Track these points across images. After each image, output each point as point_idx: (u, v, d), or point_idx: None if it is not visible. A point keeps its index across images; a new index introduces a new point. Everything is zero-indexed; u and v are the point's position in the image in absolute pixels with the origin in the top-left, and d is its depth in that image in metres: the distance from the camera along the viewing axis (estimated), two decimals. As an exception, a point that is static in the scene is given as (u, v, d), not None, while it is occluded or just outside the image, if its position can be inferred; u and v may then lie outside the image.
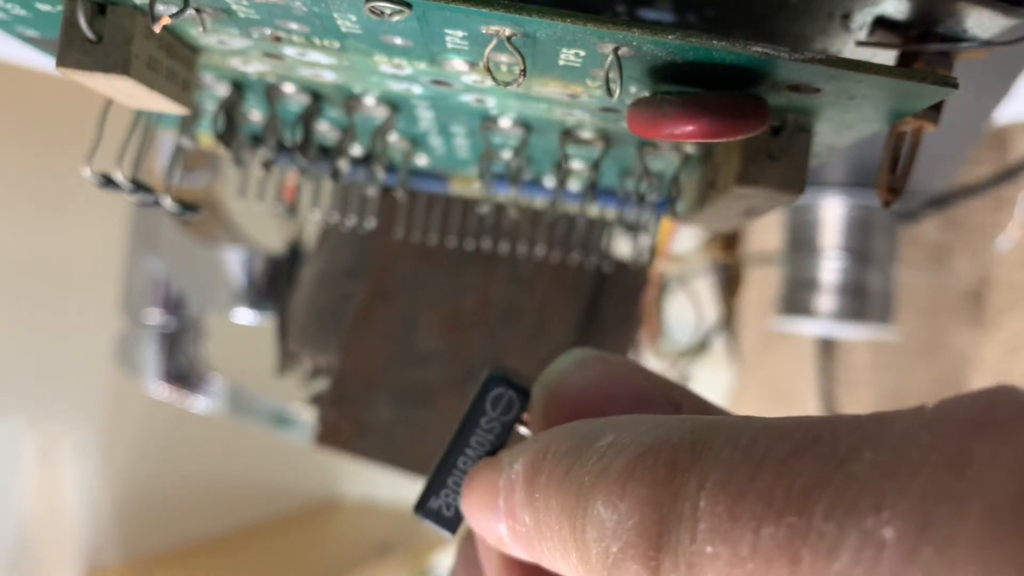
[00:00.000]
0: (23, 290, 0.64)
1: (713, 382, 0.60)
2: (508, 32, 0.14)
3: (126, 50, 0.15)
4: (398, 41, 0.15)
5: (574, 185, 0.24)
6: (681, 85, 0.15)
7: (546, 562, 0.13)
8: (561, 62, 0.15)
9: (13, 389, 0.65)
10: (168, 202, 0.21)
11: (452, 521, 0.15)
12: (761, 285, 0.52)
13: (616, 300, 0.34)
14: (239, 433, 0.55)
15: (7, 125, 0.59)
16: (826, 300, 0.41)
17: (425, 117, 0.21)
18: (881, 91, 0.14)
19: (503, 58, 0.15)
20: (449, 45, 0.15)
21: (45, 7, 0.16)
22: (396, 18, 0.14)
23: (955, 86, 0.14)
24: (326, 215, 0.28)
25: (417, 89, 0.18)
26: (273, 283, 0.41)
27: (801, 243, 0.42)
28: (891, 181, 0.17)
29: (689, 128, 0.14)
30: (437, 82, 0.18)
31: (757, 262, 0.53)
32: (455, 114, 0.20)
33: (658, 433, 0.11)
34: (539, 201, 0.26)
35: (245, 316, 0.41)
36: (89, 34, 0.15)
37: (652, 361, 0.47)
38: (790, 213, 0.43)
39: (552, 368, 0.15)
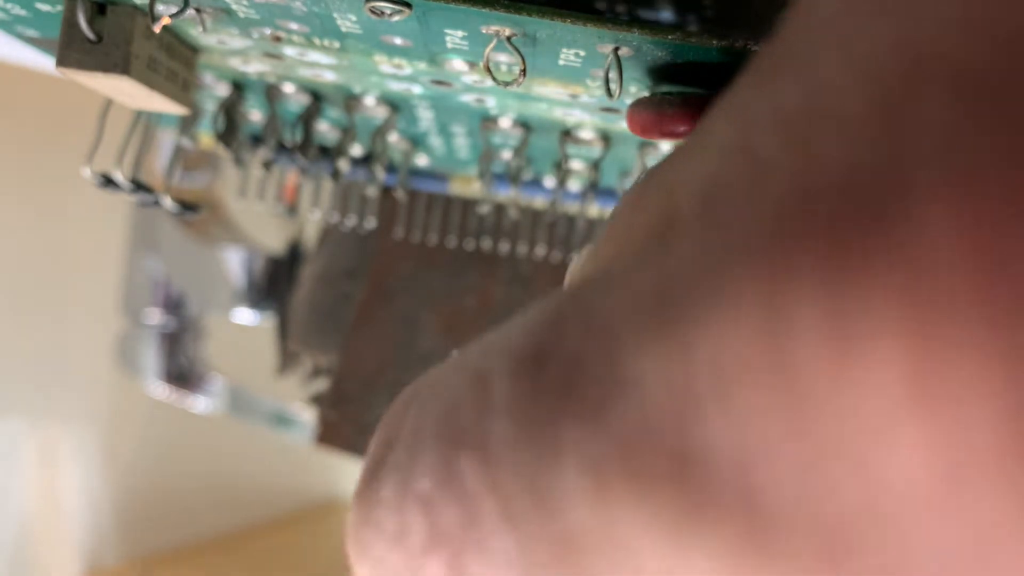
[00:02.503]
0: (23, 290, 0.64)
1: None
2: (508, 32, 0.14)
3: (126, 50, 0.15)
4: (398, 41, 0.15)
5: (574, 185, 0.24)
6: (681, 85, 0.15)
7: None
8: (561, 62, 0.15)
9: (13, 389, 0.65)
10: (168, 202, 0.21)
11: None
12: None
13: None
14: (239, 433, 0.55)
15: (7, 125, 0.59)
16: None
17: (425, 117, 0.21)
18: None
19: (503, 58, 0.15)
20: (449, 45, 0.15)
21: (45, 7, 0.16)
22: (396, 18, 0.14)
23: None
24: (326, 215, 0.28)
25: (417, 89, 0.18)
26: (273, 283, 0.41)
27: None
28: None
29: (689, 128, 0.14)
30: (437, 82, 0.18)
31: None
32: (455, 114, 0.20)
33: None
34: (539, 201, 0.26)
35: (245, 316, 0.41)
36: (89, 34, 0.15)
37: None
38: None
39: None
